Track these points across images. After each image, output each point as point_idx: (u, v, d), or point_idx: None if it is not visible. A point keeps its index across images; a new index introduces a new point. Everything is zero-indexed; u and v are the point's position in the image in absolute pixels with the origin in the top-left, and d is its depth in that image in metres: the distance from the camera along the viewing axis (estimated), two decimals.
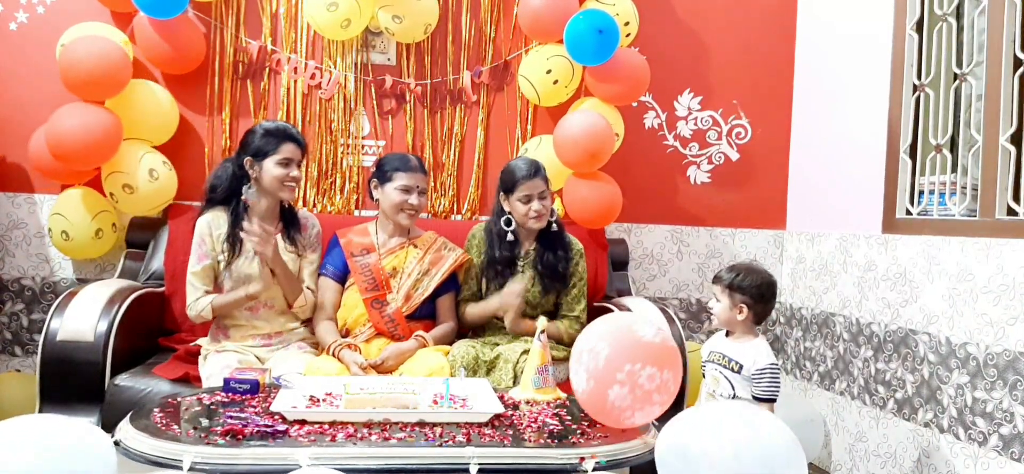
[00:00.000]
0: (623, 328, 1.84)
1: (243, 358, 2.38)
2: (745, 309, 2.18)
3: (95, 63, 2.65)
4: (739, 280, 2.19)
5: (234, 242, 2.45)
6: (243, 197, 2.44)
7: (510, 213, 2.66)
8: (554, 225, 2.68)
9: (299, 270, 2.57)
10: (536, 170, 2.63)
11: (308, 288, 2.56)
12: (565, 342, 2.63)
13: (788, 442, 1.56)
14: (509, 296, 2.54)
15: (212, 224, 2.48)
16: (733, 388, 2.15)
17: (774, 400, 2.11)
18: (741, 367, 2.14)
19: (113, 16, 3.00)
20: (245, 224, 2.39)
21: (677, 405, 2.21)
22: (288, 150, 2.45)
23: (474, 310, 2.66)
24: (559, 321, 2.67)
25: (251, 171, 2.46)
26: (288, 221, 2.57)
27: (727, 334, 2.27)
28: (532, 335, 2.42)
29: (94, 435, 1.53)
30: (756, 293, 2.17)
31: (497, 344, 2.55)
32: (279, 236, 2.51)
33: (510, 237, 2.65)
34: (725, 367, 2.18)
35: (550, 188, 2.69)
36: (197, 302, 2.44)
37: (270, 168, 2.44)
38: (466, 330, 2.71)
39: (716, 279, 2.25)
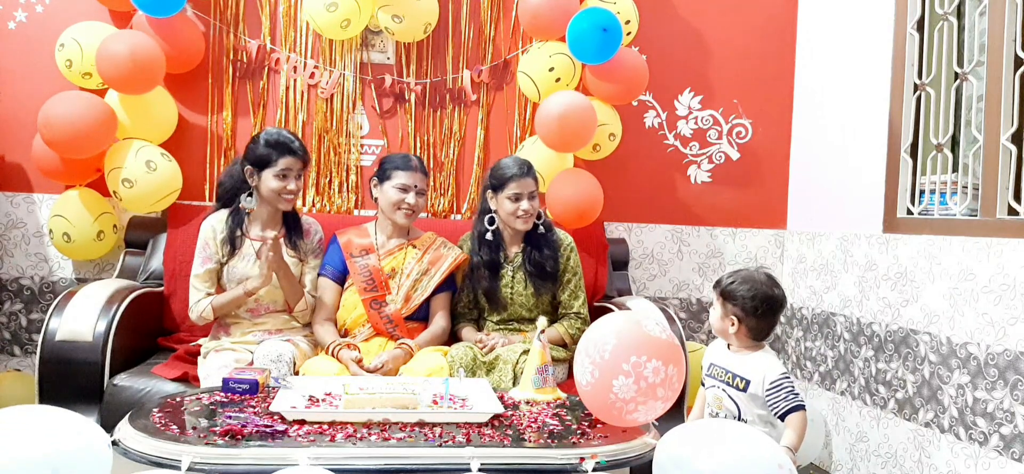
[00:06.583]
0: (630, 322, 1.85)
1: (240, 357, 2.37)
2: (736, 322, 1.94)
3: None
4: (733, 287, 1.93)
5: (233, 245, 2.46)
6: (241, 206, 2.46)
7: (495, 212, 2.65)
8: (542, 227, 2.66)
9: (301, 275, 2.57)
10: (527, 169, 2.61)
11: (310, 294, 2.56)
12: (566, 344, 2.62)
13: (782, 467, 1.52)
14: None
15: (216, 228, 2.49)
16: (738, 408, 1.94)
17: (802, 407, 1.86)
18: (747, 384, 1.92)
19: (112, 15, 2.99)
20: (264, 233, 2.43)
21: (678, 404, 2.21)
22: (286, 162, 2.45)
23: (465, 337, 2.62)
24: (558, 323, 2.65)
25: (251, 180, 2.48)
26: (291, 226, 2.57)
27: (728, 346, 2.03)
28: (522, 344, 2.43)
29: (90, 428, 1.53)
30: (749, 305, 1.91)
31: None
32: (282, 241, 2.51)
33: (489, 237, 2.63)
34: (729, 384, 1.96)
35: (540, 190, 2.67)
36: (198, 304, 2.45)
37: (268, 180, 2.45)
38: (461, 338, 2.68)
39: (716, 283, 2.02)
